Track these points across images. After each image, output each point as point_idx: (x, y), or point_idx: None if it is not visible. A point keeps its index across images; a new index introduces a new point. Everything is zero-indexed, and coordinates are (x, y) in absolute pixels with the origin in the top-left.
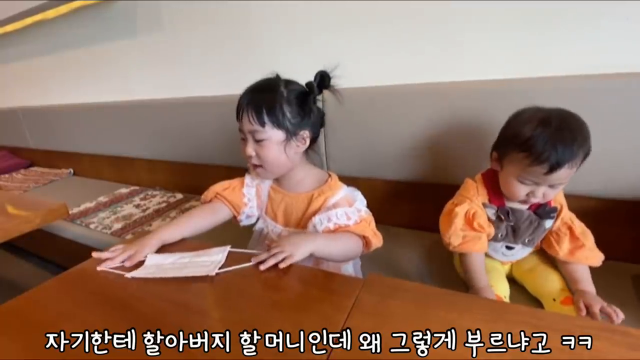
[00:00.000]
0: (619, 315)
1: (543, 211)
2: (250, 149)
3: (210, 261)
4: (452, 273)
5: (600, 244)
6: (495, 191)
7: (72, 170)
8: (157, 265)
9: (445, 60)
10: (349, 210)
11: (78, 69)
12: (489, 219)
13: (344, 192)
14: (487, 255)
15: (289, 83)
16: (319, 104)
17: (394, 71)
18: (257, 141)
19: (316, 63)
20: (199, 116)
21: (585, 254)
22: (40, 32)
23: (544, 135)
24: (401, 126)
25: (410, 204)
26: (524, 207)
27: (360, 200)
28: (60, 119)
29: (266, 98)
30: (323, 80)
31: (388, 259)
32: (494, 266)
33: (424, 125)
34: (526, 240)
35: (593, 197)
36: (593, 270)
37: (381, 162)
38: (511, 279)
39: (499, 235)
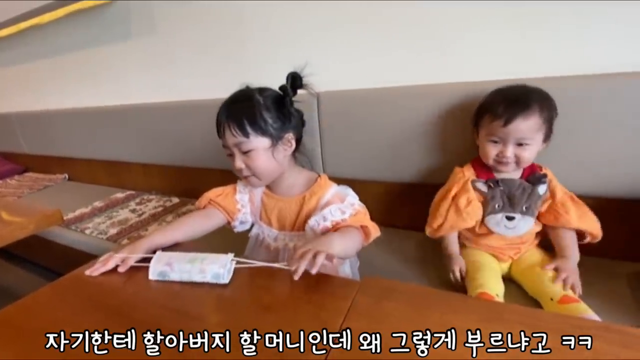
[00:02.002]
0: (576, 292)
1: (534, 177)
2: (239, 162)
3: (217, 270)
4: (448, 274)
5: (596, 242)
6: (483, 167)
7: (67, 176)
8: (168, 261)
9: (440, 62)
10: (341, 205)
11: (72, 73)
12: (482, 193)
13: (334, 189)
14: (489, 249)
15: (262, 90)
16: (314, 107)
17: (388, 73)
18: (245, 153)
19: (310, 65)
20: (195, 120)
21: (567, 219)
22: (35, 37)
23: (499, 96)
24: (397, 128)
25: (407, 205)
26: (515, 176)
27: (352, 196)
28: (54, 123)
29: (245, 108)
30: (295, 81)
31: (385, 259)
32: (489, 265)
33: (419, 127)
34: (524, 208)
35: (587, 196)
36: (589, 269)
37: (377, 164)
38: (510, 279)
39: (496, 206)
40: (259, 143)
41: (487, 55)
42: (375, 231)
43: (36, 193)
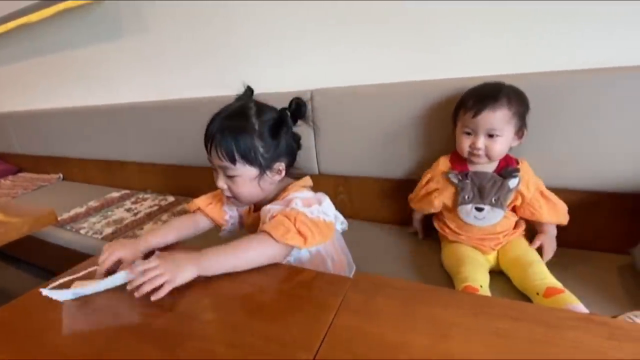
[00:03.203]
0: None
1: (506, 171)
2: (222, 183)
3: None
4: (437, 268)
5: (586, 235)
6: (459, 160)
7: (61, 175)
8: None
9: (432, 59)
10: (273, 207)
11: (64, 72)
12: (454, 184)
13: (297, 194)
14: (470, 240)
15: (261, 112)
16: (307, 104)
17: (380, 70)
18: (229, 176)
19: (302, 66)
20: (189, 118)
21: (541, 213)
22: (24, 36)
23: (472, 92)
24: (390, 124)
25: (400, 201)
26: (489, 169)
27: (300, 199)
28: (47, 123)
29: (236, 133)
30: (299, 108)
31: (377, 255)
32: (472, 257)
33: (413, 123)
34: (493, 200)
35: (579, 190)
36: (581, 261)
37: (371, 160)
38: (499, 272)
39: (466, 197)
40: (245, 171)
41: (477, 52)
42: (290, 238)
43: (30, 193)
